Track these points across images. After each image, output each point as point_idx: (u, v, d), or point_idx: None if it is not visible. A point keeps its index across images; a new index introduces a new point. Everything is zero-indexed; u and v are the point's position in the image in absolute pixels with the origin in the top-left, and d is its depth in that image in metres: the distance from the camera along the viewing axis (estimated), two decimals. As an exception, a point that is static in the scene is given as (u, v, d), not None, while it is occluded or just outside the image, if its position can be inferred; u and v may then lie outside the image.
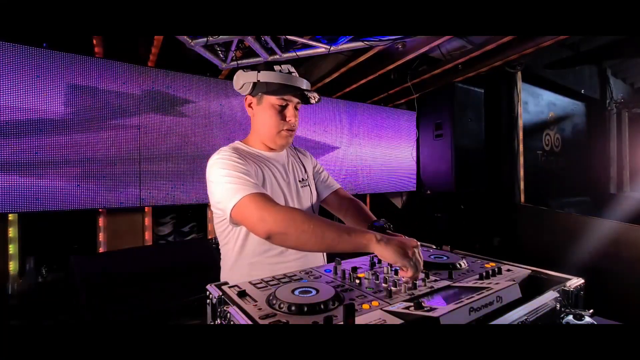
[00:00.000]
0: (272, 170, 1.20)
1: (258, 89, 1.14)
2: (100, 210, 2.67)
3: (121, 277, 2.45)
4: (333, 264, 1.05)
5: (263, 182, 1.15)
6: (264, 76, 1.12)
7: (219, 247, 1.22)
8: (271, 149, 1.24)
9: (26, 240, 2.46)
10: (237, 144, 1.24)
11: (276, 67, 1.14)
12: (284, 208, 0.97)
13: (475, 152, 4.03)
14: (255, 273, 1.09)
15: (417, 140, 4.37)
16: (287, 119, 1.17)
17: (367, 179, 3.92)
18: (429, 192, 4.27)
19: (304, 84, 1.16)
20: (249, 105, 1.21)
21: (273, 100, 1.15)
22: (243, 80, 1.16)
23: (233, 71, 2.90)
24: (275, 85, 1.12)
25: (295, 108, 1.19)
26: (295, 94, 1.15)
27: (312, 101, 1.18)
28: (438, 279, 0.91)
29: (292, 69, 1.17)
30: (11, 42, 2.11)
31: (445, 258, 1.07)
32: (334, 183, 1.44)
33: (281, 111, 1.17)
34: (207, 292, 0.82)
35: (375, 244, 0.87)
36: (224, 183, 1.03)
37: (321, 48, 2.47)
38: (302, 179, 1.28)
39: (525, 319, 0.72)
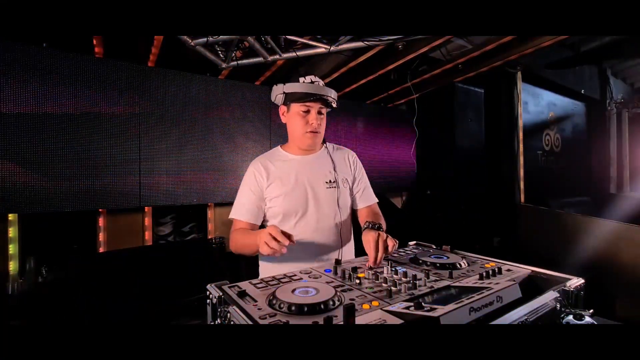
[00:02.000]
0: (299, 173, 1.37)
1: (287, 99, 1.32)
2: (100, 210, 2.67)
3: (121, 277, 2.45)
4: (332, 263, 1.05)
5: (288, 184, 1.35)
6: (290, 87, 1.30)
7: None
8: (304, 151, 1.41)
9: (26, 240, 2.46)
10: (277, 148, 1.47)
11: (301, 79, 1.31)
12: (232, 234, 1.33)
13: (475, 152, 4.02)
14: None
15: (417, 140, 4.37)
16: (310, 122, 1.33)
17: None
18: (429, 192, 4.27)
19: (325, 91, 1.31)
20: (282, 114, 1.40)
21: (297, 107, 1.32)
22: (275, 93, 1.35)
23: (233, 71, 2.91)
24: (299, 94, 1.29)
25: (320, 113, 1.34)
26: (316, 100, 1.30)
27: (333, 105, 1.35)
28: (438, 279, 0.91)
29: (316, 79, 1.32)
30: (11, 41, 2.11)
31: (445, 258, 1.07)
32: (370, 197, 1.51)
33: (305, 116, 1.33)
34: (207, 292, 0.82)
35: (256, 238, 1.11)
36: (237, 195, 1.40)
37: (321, 48, 2.47)
38: (330, 181, 1.39)
39: (525, 319, 0.72)
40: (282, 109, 1.39)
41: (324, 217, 1.35)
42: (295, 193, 1.34)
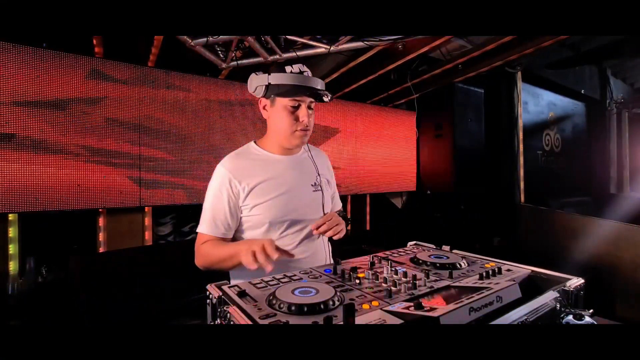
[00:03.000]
0: (286, 176, 1.22)
1: (270, 91, 1.14)
2: (100, 210, 2.67)
3: (121, 277, 2.45)
4: (332, 263, 1.05)
5: (275, 189, 1.19)
6: (275, 78, 1.13)
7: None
8: (287, 150, 1.25)
9: (26, 240, 2.46)
10: (250, 145, 1.28)
11: (287, 68, 1.14)
12: (201, 247, 1.16)
13: (475, 152, 4.03)
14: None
15: (417, 140, 4.37)
16: (300, 120, 1.16)
17: (367, 179, 3.92)
18: (429, 192, 4.27)
19: (316, 83, 1.15)
20: (264, 108, 1.22)
21: (285, 101, 1.15)
22: (256, 83, 1.16)
23: (233, 71, 2.91)
24: (287, 87, 1.12)
25: (310, 107, 1.18)
26: (307, 94, 1.14)
27: (325, 99, 1.16)
28: (438, 279, 0.91)
29: (304, 68, 1.16)
30: (11, 42, 2.11)
31: (445, 258, 1.07)
32: (338, 203, 1.45)
33: (294, 112, 1.16)
34: (207, 292, 0.82)
35: (238, 250, 1.01)
36: (205, 204, 1.19)
37: (321, 48, 2.47)
38: (315, 184, 1.27)
39: (525, 319, 0.72)
40: (264, 102, 1.20)
41: (311, 222, 1.22)
42: (283, 199, 1.18)
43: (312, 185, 1.26)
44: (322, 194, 1.27)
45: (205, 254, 1.14)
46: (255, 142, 1.28)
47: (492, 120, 4.15)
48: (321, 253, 1.28)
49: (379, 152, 4.03)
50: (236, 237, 1.22)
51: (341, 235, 1.20)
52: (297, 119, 1.16)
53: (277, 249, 0.98)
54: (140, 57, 2.67)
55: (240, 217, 1.20)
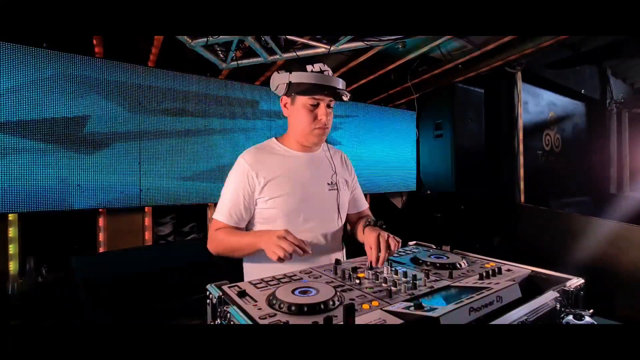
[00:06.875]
0: (302, 172, 1.25)
1: (291, 89, 1.17)
2: (100, 210, 2.67)
3: (121, 277, 2.45)
4: (332, 263, 1.05)
5: (290, 183, 1.21)
6: (296, 77, 1.15)
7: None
8: (306, 147, 1.28)
9: (26, 240, 2.46)
10: (271, 141, 1.32)
11: (308, 67, 1.16)
12: (216, 233, 1.19)
13: (475, 152, 4.02)
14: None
15: (417, 140, 4.37)
16: (319, 118, 1.19)
17: (367, 179, 3.92)
18: (429, 192, 4.27)
19: (336, 82, 1.16)
20: (284, 106, 1.25)
21: (305, 100, 1.17)
22: (277, 81, 1.19)
23: (233, 71, 2.90)
24: (307, 86, 1.14)
25: (329, 106, 1.20)
26: (327, 93, 1.16)
27: (345, 98, 1.19)
28: (438, 279, 0.91)
29: (325, 67, 1.18)
30: (11, 42, 2.11)
31: (445, 258, 1.07)
32: (363, 202, 1.46)
33: (313, 110, 1.19)
34: (207, 292, 0.82)
35: (258, 239, 1.06)
36: (222, 193, 1.23)
37: (321, 48, 2.47)
38: (331, 182, 1.29)
39: (525, 319, 0.72)
40: (285, 99, 1.23)
41: (325, 220, 1.26)
42: (298, 193, 1.21)
43: (328, 183, 1.28)
44: (338, 193, 1.30)
45: (220, 240, 1.18)
46: (276, 138, 1.32)
47: (492, 120, 4.14)
48: (335, 250, 1.30)
49: (379, 152, 4.03)
50: (250, 229, 1.25)
51: (398, 246, 1.06)
52: (315, 117, 1.19)
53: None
54: (140, 57, 2.67)
55: (256, 209, 1.23)
